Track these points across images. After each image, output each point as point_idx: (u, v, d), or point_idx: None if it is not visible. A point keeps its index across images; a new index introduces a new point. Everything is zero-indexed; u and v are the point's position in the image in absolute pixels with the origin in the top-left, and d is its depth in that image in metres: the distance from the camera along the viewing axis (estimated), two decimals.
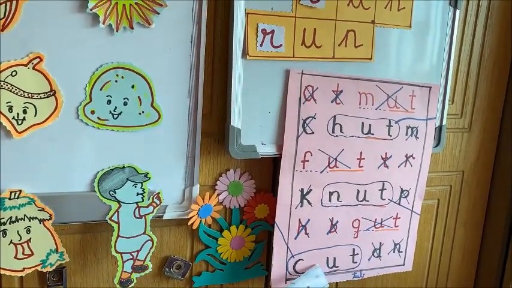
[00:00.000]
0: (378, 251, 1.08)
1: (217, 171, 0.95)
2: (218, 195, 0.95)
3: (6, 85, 0.74)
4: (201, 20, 0.83)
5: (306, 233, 0.99)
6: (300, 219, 0.98)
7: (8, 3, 0.71)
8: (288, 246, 0.98)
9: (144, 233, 0.87)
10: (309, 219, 0.99)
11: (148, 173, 0.86)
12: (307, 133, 0.94)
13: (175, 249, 0.96)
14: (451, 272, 1.27)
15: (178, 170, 0.89)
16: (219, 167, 0.95)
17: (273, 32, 0.87)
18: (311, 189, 0.97)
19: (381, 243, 1.07)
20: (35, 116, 0.76)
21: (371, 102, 0.98)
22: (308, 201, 0.97)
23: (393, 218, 1.07)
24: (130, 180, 0.85)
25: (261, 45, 0.87)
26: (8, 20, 0.72)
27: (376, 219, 1.05)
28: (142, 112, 0.83)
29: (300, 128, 0.93)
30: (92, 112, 0.80)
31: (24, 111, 0.76)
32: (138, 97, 0.82)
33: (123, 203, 0.85)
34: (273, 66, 0.89)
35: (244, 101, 0.88)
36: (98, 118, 0.81)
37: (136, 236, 0.87)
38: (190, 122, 0.87)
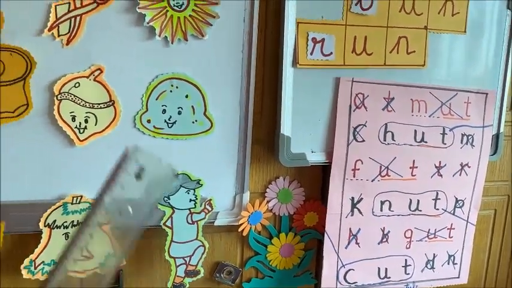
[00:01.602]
0: (431, 262, 1.05)
1: (267, 179, 0.96)
2: (268, 202, 0.96)
3: (70, 96, 0.78)
4: (252, 30, 0.85)
5: (357, 243, 0.98)
6: (350, 229, 0.97)
7: (73, 19, 0.76)
8: (338, 256, 0.97)
9: (196, 239, 0.89)
10: (359, 229, 0.97)
11: (200, 180, 0.88)
12: (357, 141, 0.93)
13: (225, 255, 0.97)
14: (509, 287, 1.22)
15: (229, 177, 0.91)
16: (269, 174, 0.96)
17: (323, 40, 0.88)
18: (362, 198, 0.96)
19: (434, 254, 1.04)
20: (95, 125, 0.81)
21: (424, 109, 0.96)
22: (359, 210, 0.96)
23: (447, 229, 1.04)
24: (183, 187, 0.88)
25: (311, 53, 0.88)
26: (72, 35, 0.76)
27: (429, 229, 1.02)
28: (196, 121, 0.86)
29: (351, 135, 0.93)
30: (148, 121, 0.83)
31: (86, 121, 0.80)
32: (192, 106, 0.85)
33: (176, 208, 0.88)
34: (323, 74, 0.90)
35: (294, 109, 0.89)
36: (154, 127, 0.84)
37: (189, 241, 0.89)
38: (241, 130, 0.89)
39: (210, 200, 0.90)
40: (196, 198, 0.89)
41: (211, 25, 0.82)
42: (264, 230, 0.98)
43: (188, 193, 0.88)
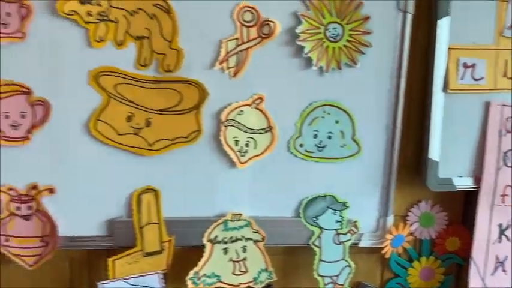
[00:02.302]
0: None
1: (409, 202, 0.96)
2: (410, 225, 0.97)
3: (235, 122, 0.85)
4: (402, 57, 0.87)
5: (504, 270, 0.95)
6: (497, 256, 0.94)
7: (240, 53, 0.83)
8: (484, 282, 0.95)
9: (343, 259, 0.92)
10: (507, 256, 0.94)
11: (346, 202, 0.91)
12: (507, 166, 0.91)
13: (366, 276, 0.99)
14: None
15: (373, 199, 0.93)
16: (411, 198, 0.96)
17: (474, 65, 0.87)
18: (510, 225, 0.93)
19: None
20: (254, 148, 0.87)
21: None
22: (507, 237, 0.93)
23: None
24: (330, 208, 0.91)
25: (461, 78, 0.88)
26: (239, 67, 0.84)
27: None
28: (344, 145, 0.89)
29: (500, 160, 0.91)
30: (301, 145, 0.88)
31: (247, 145, 0.87)
32: (341, 131, 0.89)
33: (324, 229, 0.91)
34: (473, 98, 0.89)
35: (442, 134, 0.89)
36: (306, 150, 0.89)
37: (336, 261, 0.92)
38: (387, 154, 0.91)
39: (356, 221, 0.92)
40: (343, 220, 0.92)
41: (364, 53, 0.86)
42: (404, 252, 0.99)
43: (335, 214, 0.92)
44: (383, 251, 0.95)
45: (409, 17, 0.86)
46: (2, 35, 0.76)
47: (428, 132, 0.89)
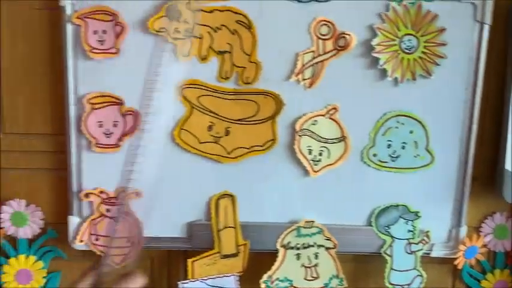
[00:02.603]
0: None
1: (483, 213, 0.95)
2: (483, 237, 0.96)
3: (308, 132, 0.88)
4: (478, 69, 0.87)
5: None
6: None
7: (315, 65, 0.86)
8: None
9: (414, 268, 0.93)
10: None
11: (418, 212, 0.92)
12: None
13: (438, 286, 0.98)
14: None
15: (446, 210, 0.92)
16: (486, 209, 0.95)
17: None
18: None
19: None
20: (328, 157, 0.89)
21: None
22: None
23: None
24: (402, 218, 0.92)
25: None
26: (314, 78, 0.87)
27: None
28: (418, 155, 0.90)
29: None
30: (374, 155, 0.90)
31: (320, 154, 0.89)
32: (415, 141, 0.89)
33: (396, 238, 0.92)
34: None
35: None
36: (379, 160, 0.90)
37: (407, 270, 0.92)
38: (460, 164, 0.91)
39: (428, 232, 0.92)
40: (415, 229, 0.92)
41: (439, 65, 0.86)
42: (477, 264, 0.97)
43: (407, 224, 0.92)
44: (455, 262, 0.94)
45: (486, 28, 0.86)
46: (98, 51, 0.84)
47: (505, 143, 0.88)
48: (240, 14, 0.84)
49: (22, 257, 0.94)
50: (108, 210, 0.90)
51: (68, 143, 0.88)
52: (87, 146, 0.88)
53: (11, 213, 0.92)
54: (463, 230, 0.93)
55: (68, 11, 0.83)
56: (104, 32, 0.84)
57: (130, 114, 0.86)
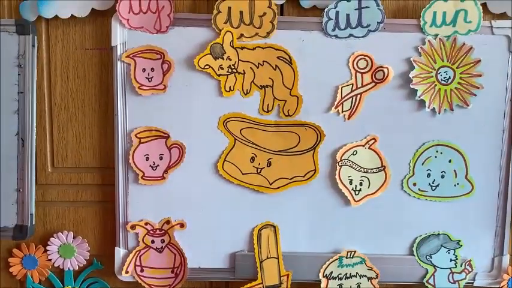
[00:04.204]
0: None
1: None
2: None
3: (349, 162, 0.90)
4: None
5: None
6: None
7: (354, 97, 0.89)
8: None
9: None
10: None
11: (460, 241, 0.92)
12: None
13: None
14: None
15: (487, 238, 0.93)
16: None
17: None
18: None
19: None
20: (368, 187, 0.91)
21: None
22: None
23: None
24: (444, 247, 0.92)
25: None
26: (353, 110, 0.89)
27: None
28: (457, 184, 0.91)
29: None
30: (414, 184, 0.91)
31: (361, 184, 0.91)
32: (454, 170, 0.91)
33: (438, 267, 0.92)
34: None
35: None
36: (419, 189, 0.91)
37: None
38: (500, 193, 0.91)
39: (470, 260, 0.92)
40: (457, 258, 0.92)
41: (475, 95, 0.88)
42: None
43: (449, 253, 0.92)
44: None
45: None
46: (146, 88, 0.88)
47: None
48: (281, 50, 0.88)
49: None
50: (152, 242, 0.92)
51: (116, 176, 0.91)
52: (134, 178, 0.91)
53: (59, 245, 0.95)
54: (506, 259, 0.93)
55: (119, 50, 0.88)
56: (152, 69, 0.88)
57: (175, 147, 0.90)
